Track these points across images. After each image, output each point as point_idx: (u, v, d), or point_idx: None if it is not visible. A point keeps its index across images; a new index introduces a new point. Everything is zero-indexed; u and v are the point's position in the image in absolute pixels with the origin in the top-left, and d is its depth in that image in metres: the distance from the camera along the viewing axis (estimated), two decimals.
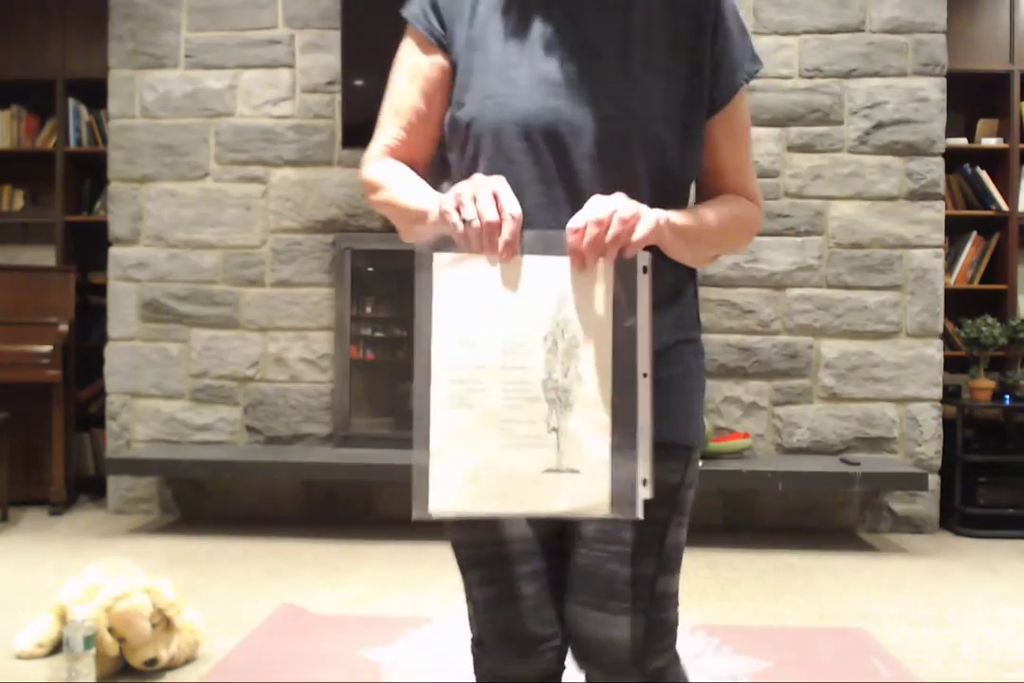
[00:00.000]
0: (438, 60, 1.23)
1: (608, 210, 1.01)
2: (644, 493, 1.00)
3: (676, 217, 1.12)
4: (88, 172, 4.82)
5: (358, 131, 4.12)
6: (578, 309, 1.00)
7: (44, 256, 4.84)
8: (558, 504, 1.01)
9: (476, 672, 1.28)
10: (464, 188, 1.06)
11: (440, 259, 1.03)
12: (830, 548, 3.83)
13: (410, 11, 1.25)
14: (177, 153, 4.34)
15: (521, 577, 1.20)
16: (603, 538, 1.15)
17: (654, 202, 1.09)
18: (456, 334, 1.01)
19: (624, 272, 1.01)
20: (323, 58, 4.26)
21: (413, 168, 1.29)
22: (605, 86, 1.15)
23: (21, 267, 4.62)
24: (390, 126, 1.31)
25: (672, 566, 1.18)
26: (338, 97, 4.22)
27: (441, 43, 1.23)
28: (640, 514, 1.00)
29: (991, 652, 2.61)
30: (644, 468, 1.00)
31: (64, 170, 4.72)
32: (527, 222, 1.05)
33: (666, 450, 1.12)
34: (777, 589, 3.24)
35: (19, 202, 4.84)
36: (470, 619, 1.26)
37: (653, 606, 1.15)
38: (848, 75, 4.14)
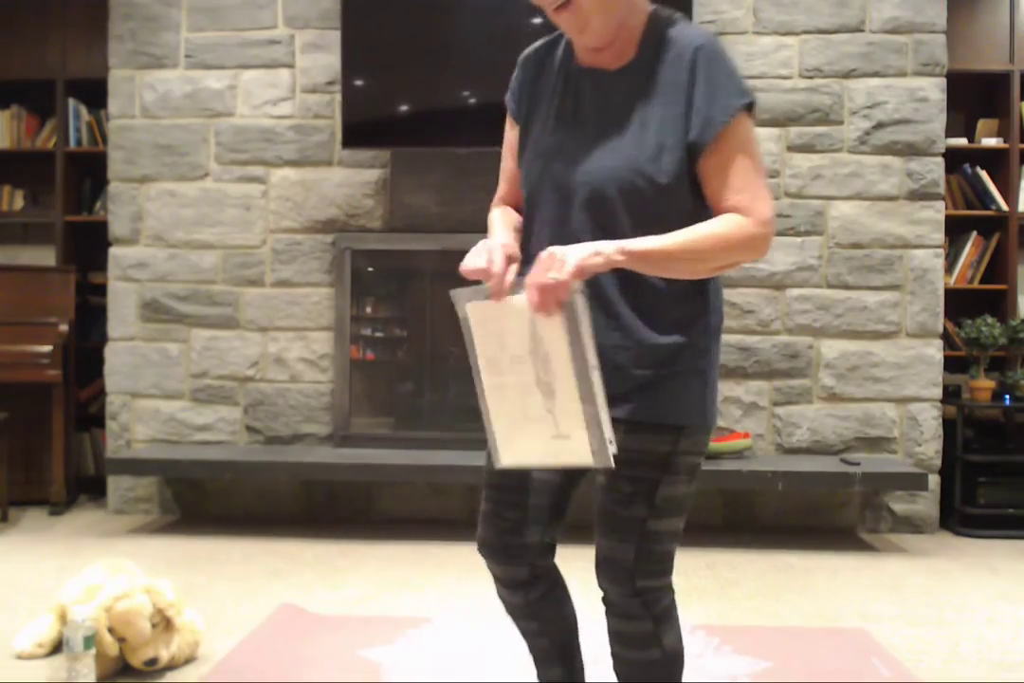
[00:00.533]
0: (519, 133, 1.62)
1: (542, 274, 1.34)
2: (612, 449, 1.37)
3: (638, 244, 1.38)
4: (88, 172, 4.82)
5: (358, 131, 4.12)
6: (545, 330, 1.39)
7: (44, 256, 4.84)
8: (563, 459, 1.44)
9: None
10: (476, 248, 1.47)
11: (458, 296, 1.48)
12: (830, 548, 3.83)
13: (507, 94, 1.65)
14: (177, 153, 4.34)
15: (506, 503, 1.64)
16: (610, 488, 1.53)
17: (637, 235, 1.40)
18: (483, 356, 1.48)
19: (568, 302, 1.37)
20: (323, 58, 4.26)
21: (518, 210, 1.68)
22: (589, 152, 1.48)
23: (21, 267, 4.62)
24: (500, 182, 1.74)
25: (663, 512, 1.52)
26: (338, 97, 4.22)
27: (518, 121, 1.63)
28: (612, 463, 1.38)
29: (991, 652, 2.61)
30: (608, 431, 1.37)
31: (64, 170, 4.72)
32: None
33: (657, 428, 1.49)
34: (777, 589, 3.24)
35: (19, 202, 4.84)
36: None
37: (643, 539, 1.52)
38: (848, 75, 4.14)
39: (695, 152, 1.43)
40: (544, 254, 1.36)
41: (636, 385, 1.49)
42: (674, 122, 1.43)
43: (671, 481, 1.51)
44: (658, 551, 1.53)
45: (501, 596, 1.73)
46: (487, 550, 1.68)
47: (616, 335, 1.48)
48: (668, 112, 1.43)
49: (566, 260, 1.34)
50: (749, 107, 1.44)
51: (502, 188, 1.73)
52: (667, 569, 1.56)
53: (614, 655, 1.63)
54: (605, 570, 1.56)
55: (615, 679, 1.65)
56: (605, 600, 1.61)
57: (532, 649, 1.79)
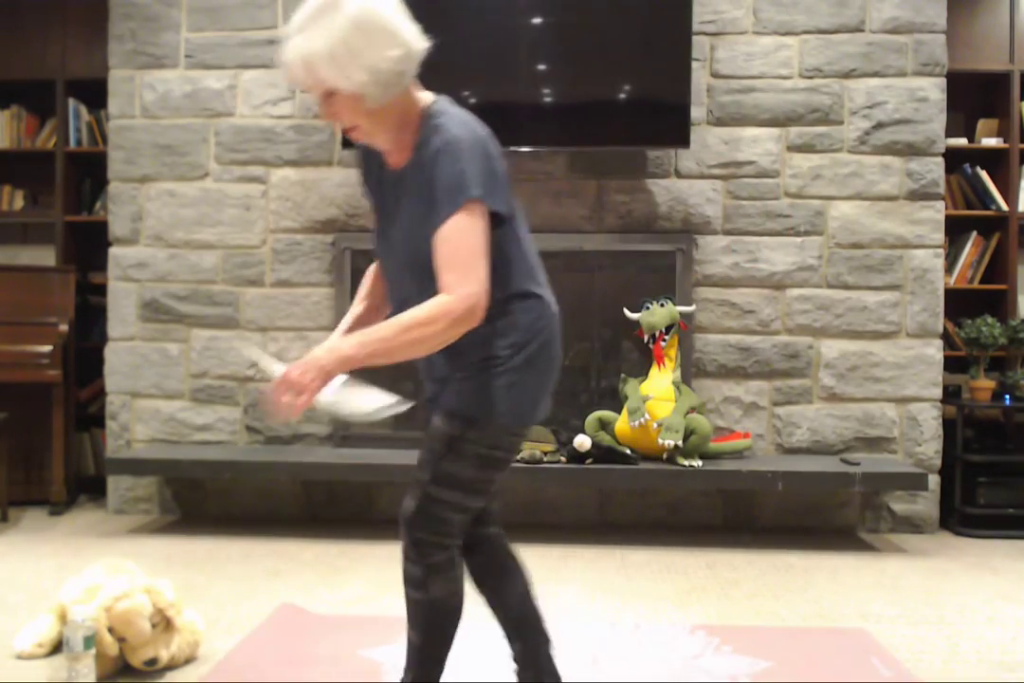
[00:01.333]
0: None
1: (278, 396, 1.68)
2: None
3: (357, 348, 1.69)
4: (88, 172, 4.82)
5: None
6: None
7: (44, 256, 4.84)
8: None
9: None
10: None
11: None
12: (830, 548, 3.83)
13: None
14: (177, 153, 4.34)
15: None
16: (421, 449, 1.87)
17: (429, 285, 1.71)
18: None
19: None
20: None
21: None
22: (396, 238, 1.85)
23: (21, 267, 4.62)
24: None
25: (441, 483, 1.83)
26: None
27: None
28: (379, 416, 1.79)
29: (991, 652, 2.61)
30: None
31: (64, 170, 4.72)
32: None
33: (451, 415, 1.84)
34: (777, 589, 3.24)
35: (19, 202, 4.84)
36: None
37: (423, 499, 1.84)
38: (848, 75, 4.14)
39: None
40: (278, 379, 1.68)
41: (447, 386, 1.87)
42: (429, 213, 1.73)
43: (452, 459, 1.82)
44: (433, 512, 1.84)
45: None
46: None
47: (434, 360, 1.88)
48: (425, 205, 1.74)
49: (302, 384, 1.67)
50: (474, 198, 1.70)
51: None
52: (442, 531, 1.85)
53: (404, 591, 1.93)
54: (400, 518, 1.88)
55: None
56: (402, 546, 1.90)
57: (500, 624, 2.08)
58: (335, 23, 1.69)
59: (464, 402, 1.83)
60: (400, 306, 1.83)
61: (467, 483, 1.85)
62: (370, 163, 1.94)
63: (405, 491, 1.89)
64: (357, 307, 2.05)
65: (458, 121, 1.79)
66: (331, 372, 1.68)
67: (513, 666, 2.09)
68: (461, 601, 1.92)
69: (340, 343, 1.70)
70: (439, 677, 1.96)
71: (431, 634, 1.92)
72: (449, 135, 1.74)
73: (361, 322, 2.00)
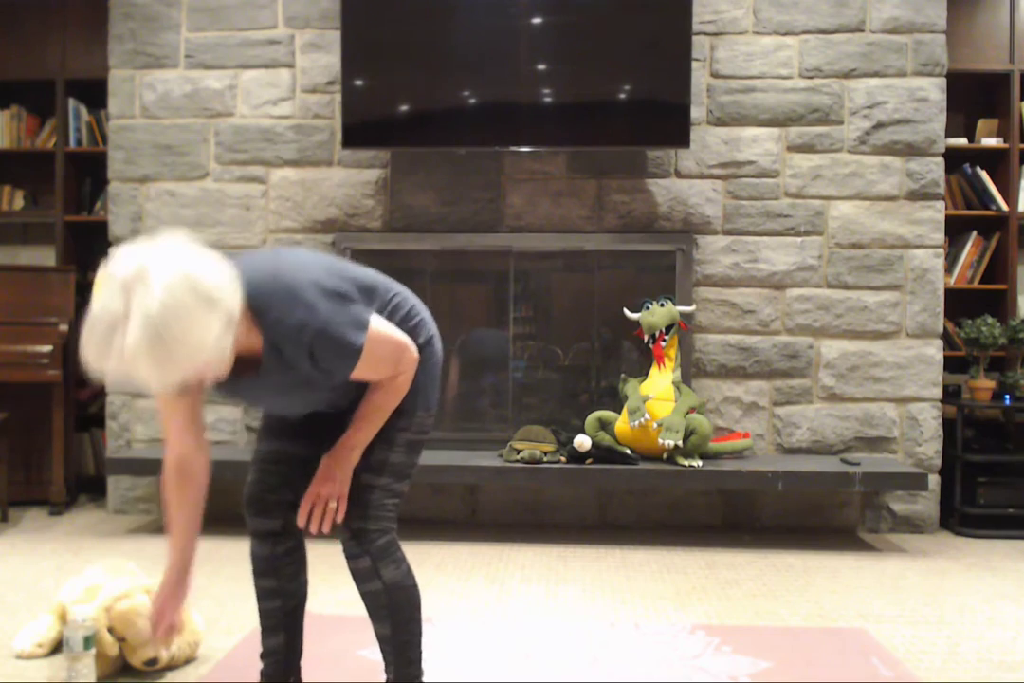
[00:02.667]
0: None
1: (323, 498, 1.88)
2: None
3: (352, 446, 1.88)
4: (88, 172, 4.82)
5: (358, 131, 4.12)
6: None
7: (44, 256, 4.84)
8: None
9: None
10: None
11: None
12: (830, 548, 3.83)
13: None
14: (177, 153, 4.34)
15: (269, 471, 2.07)
16: None
17: (346, 394, 1.89)
18: None
19: None
20: (323, 58, 4.26)
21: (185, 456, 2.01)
22: (270, 406, 1.98)
23: (21, 267, 4.62)
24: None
25: (375, 470, 1.91)
26: (338, 97, 4.22)
27: None
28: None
29: (991, 652, 2.61)
30: None
31: (64, 170, 4.72)
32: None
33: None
34: (777, 589, 3.24)
35: (19, 202, 4.84)
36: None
37: (356, 488, 1.90)
38: (848, 75, 4.14)
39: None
40: (320, 488, 1.87)
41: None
42: (316, 371, 1.76)
43: (384, 447, 1.92)
44: (368, 500, 1.90)
45: (253, 552, 2.10)
46: (251, 506, 2.05)
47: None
48: (307, 372, 1.76)
49: (333, 491, 1.88)
50: (360, 343, 1.75)
51: (172, 445, 1.96)
52: (379, 517, 1.92)
53: (359, 592, 1.96)
54: None
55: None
56: (342, 547, 1.94)
57: (263, 614, 2.14)
58: (155, 322, 1.54)
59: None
60: (311, 416, 1.98)
61: (401, 469, 1.95)
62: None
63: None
64: (179, 528, 2.04)
65: (291, 304, 1.70)
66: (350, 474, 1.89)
67: (269, 658, 2.14)
68: (415, 583, 1.97)
69: (343, 446, 1.88)
70: (420, 663, 2.00)
71: (397, 620, 1.94)
72: (285, 328, 1.70)
73: (190, 547, 2.08)
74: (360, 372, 1.80)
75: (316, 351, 1.72)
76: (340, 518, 1.88)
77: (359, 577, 1.93)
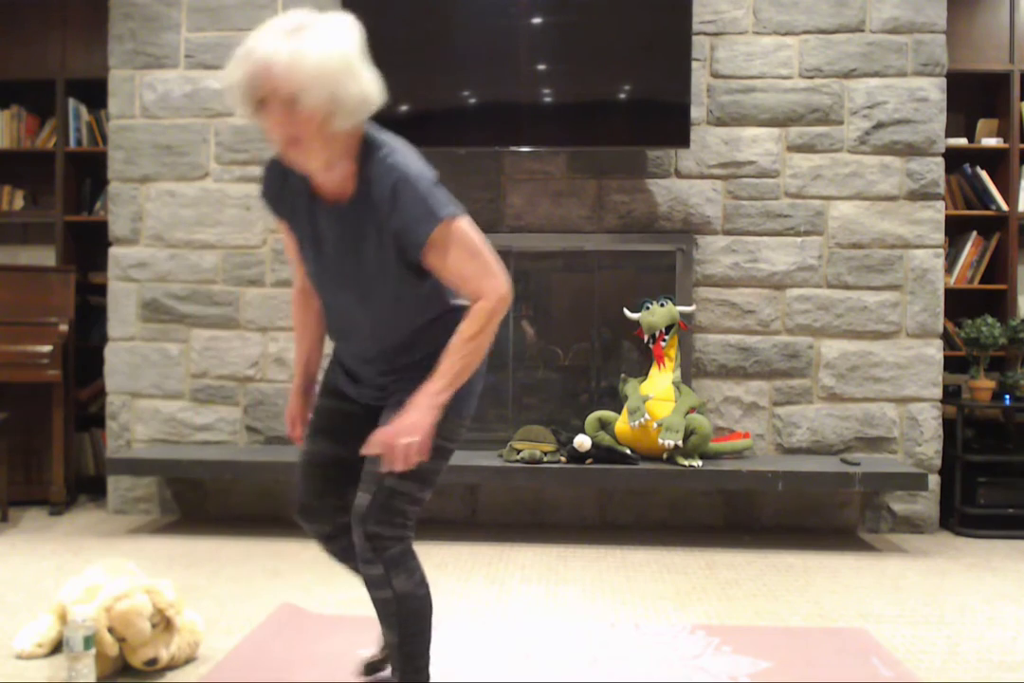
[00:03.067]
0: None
1: (399, 461, 1.79)
2: None
3: (436, 391, 1.80)
4: (88, 172, 4.82)
5: None
6: None
7: (44, 256, 4.84)
8: None
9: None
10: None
11: None
12: (830, 548, 3.83)
13: (262, 196, 1.95)
14: (177, 153, 4.34)
15: (314, 477, 2.09)
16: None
17: (390, 315, 1.88)
18: None
19: None
20: None
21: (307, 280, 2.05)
22: (344, 271, 1.86)
23: (21, 267, 4.62)
24: (296, 267, 2.08)
25: (402, 475, 1.84)
26: None
27: (283, 219, 1.95)
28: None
29: (991, 652, 2.61)
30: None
31: (64, 170, 4.72)
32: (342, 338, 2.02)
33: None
34: (777, 589, 3.24)
35: (19, 202, 4.84)
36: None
37: (379, 491, 1.86)
38: (848, 75, 4.14)
39: (416, 261, 1.81)
40: (389, 436, 1.78)
41: (398, 387, 1.92)
42: (390, 241, 1.79)
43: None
44: (391, 505, 1.87)
45: (322, 549, 2.13)
46: (301, 513, 2.07)
47: (383, 372, 1.96)
48: (384, 233, 1.79)
49: (410, 441, 1.77)
50: (449, 216, 1.76)
51: (297, 273, 2.08)
52: (398, 524, 1.89)
53: (370, 597, 1.96)
54: (352, 516, 1.90)
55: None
56: (356, 548, 1.90)
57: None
58: (331, 41, 1.71)
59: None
60: (359, 332, 1.94)
61: (426, 475, 1.91)
62: (283, 187, 1.90)
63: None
64: (303, 346, 2.13)
65: (403, 154, 1.81)
66: (431, 424, 1.80)
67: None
68: (427, 591, 1.95)
69: (425, 400, 1.80)
70: (427, 671, 1.99)
71: (407, 630, 1.94)
72: (402, 172, 1.77)
73: (313, 361, 2.14)
74: (436, 259, 1.78)
75: (399, 198, 1.74)
76: (418, 459, 1.80)
77: (370, 583, 1.92)
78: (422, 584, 1.93)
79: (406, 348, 1.92)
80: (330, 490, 2.03)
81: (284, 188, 1.90)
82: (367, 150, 1.80)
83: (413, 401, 1.80)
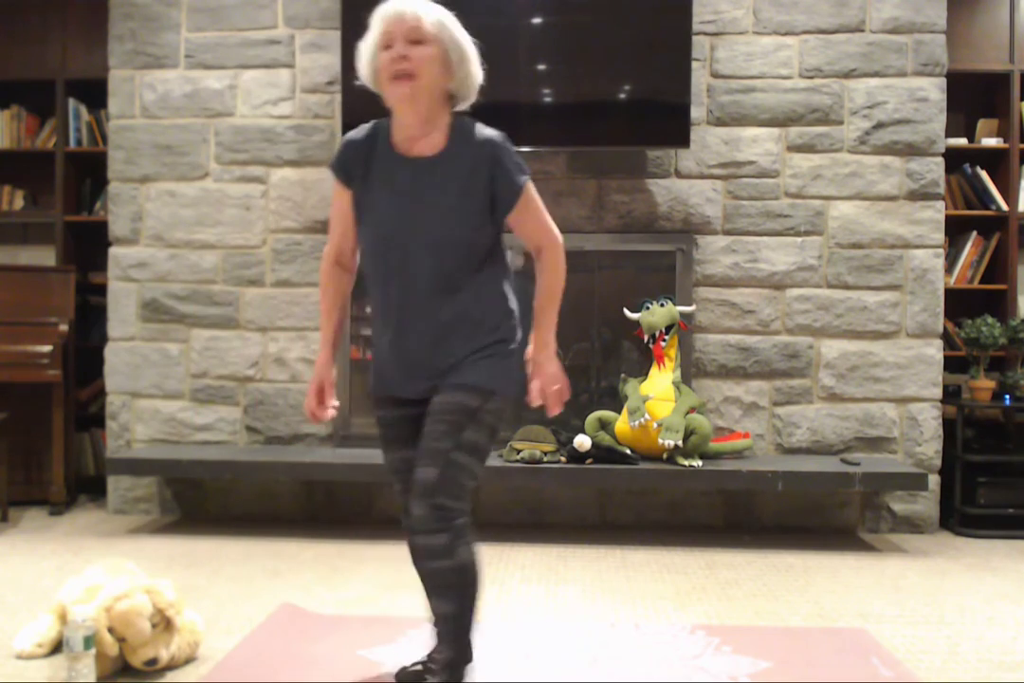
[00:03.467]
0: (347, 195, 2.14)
1: (556, 403, 2.10)
2: None
3: (549, 341, 2.11)
4: (88, 172, 4.82)
5: None
6: None
7: (44, 256, 4.84)
8: None
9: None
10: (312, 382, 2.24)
11: None
12: (830, 548, 3.83)
13: (335, 166, 2.14)
14: (177, 153, 4.34)
15: (407, 480, 2.16)
16: (430, 429, 2.02)
17: (455, 265, 2.02)
18: None
19: None
20: (323, 58, 4.26)
21: (341, 262, 2.22)
22: (424, 218, 2.01)
23: (21, 267, 4.62)
24: (331, 235, 2.21)
25: (463, 449, 1.99)
26: (338, 97, 4.22)
27: (349, 188, 2.13)
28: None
29: (991, 652, 2.61)
30: None
31: (64, 170, 4.72)
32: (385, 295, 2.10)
33: (472, 388, 2.03)
34: (777, 589, 3.24)
35: (19, 202, 4.84)
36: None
37: (446, 465, 1.97)
38: (848, 75, 4.14)
39: (502, 214, 2.05)
40: (545, 387, 2.07)
41: (463, 363, 2.05)
42: (482, 194, 2.01)
43: (474, 429, 2.01)
44: (457, 478, 1.98)
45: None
46: (405, 511, 2.10)
47: (451, 343, 2.07)
48: (476, 187, 2.01)
49: (560, 386, 2.08)
50: (529, 176, 2.07)
51: (334, 240, 2.20)
52: (461, 496, 1.99)
53: (419, 569, 2.03)
54: (414, 489, 1.98)
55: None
56: (413, 521, 1.98)
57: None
58: (460, 30, 2.10)
59: (484, 377, 2.03)
60: (423, 297, 2.04)
61: (483, 451, 2.05)
62: (363, 151, 2.10)
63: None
64: (332, 320, 2.24)
65: (483, 125, 2.10)
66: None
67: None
68: (481, 566, 2.04)
69: (543, 348, 2.09)
70: (473, 649, 2.04)
71: (464, 601, 2.00)
72: (491, 133, 2.06)
73: (338, 337, 2.27)
74: (521, 208, 2.04)
75: (501, 157, 2.02)
76: (566, 397, 2.08)
77: (430, 553, 1.96)
78: (478, 558, 2.02)
79: (469, 332, 2.06)
80: None
81: (363, 155, 2.09)
82: (456, 119, 2.08)
83: (534, 357, 2.08)
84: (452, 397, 2.01)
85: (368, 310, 4.40)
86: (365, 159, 2.08)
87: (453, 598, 1.98)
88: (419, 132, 2.03)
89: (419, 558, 2.00)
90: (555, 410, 2.08)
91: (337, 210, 2.17)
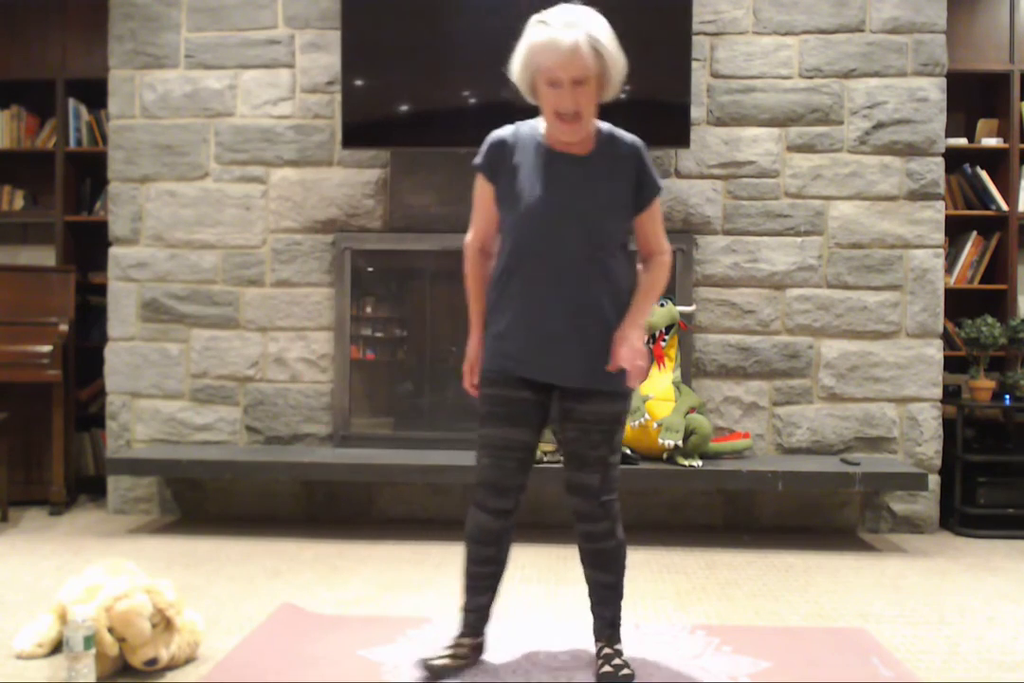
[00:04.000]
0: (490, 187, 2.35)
1: (637, 375, 2.27)
2: None
3: (640, 323, 2.28)
4: (88, 172, 4.82)
5: (358, 131, 4.12)
6: None
7: (44, 256, 4.84)
8: None
9: None
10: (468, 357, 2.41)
11: None
12: (830, 548, 3.83)
13: (481, 162, 2.34)
14: (177, 153, 4.34)
15: (505, 458, 2.35)
16: (582, 438, 2.32)
17: (593, 251, 2.25)
18: None
19: None
20: (323, 58, 4.26)
21: (484, 249, 2.41)
22: (577, 204, 2.25)
23: (21, 267, 4.62)
24: (475, 223, 2.41)
25: (615, 450, 2.33)
26: (338, 97, 4.22)
27: (492, 181, 2.33)
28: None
29: (991, 652, 2.61)
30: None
31: (64, 170, 4.72)
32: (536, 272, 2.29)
33: (618, 395, 2.31)
34: (777, 589, 3.24)
35: (19, 202, 4.84)
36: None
37: (606, 470, 2.32)
38: (848, 75, 4.14)
39: (638, 210, 2.31)
40: (629, 359, 2.22)
41: (600, 360, 2.26)
42: (627, 191, 2.28)
43: (619, 430, 2.34)
44: (612, 477, 2.34)
45: (482, 526, 2.35)
46: (491, 488, 2.32)
47: (591, 324, 2.28)
48: (624, 183, 2.27)
49: (641, 355, 2.24)
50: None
51: (478, 230, 2.40)
52: (615, 488, 2.35)
53: (583, 549, 2.38)
54: (579, 493, 2.32)
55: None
56: (576, 513, 2.34)
57: (476, 577, 2.40)
58: (613, 38, 2.20)
59: (621, 383, 2.27)
60: (561, 255, 2.24)
61: (620, 450, 2.38)
62: (508, 149, 2.31)
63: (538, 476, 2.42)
64: (481, 302, 2.40)
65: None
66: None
67: (476, 612, 2.45)
68: None
69: (634, 327, 2.25)
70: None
71: (621, 571, 2.39)
72: (632, 136, 2.32)
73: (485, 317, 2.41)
74: (651, 211, 2.31)
75: (644, 162, 2.28)
76: (646, 374, 2.35)
77: (597, 536, 2.33)
78: (623, 532, 2.39)
79: (604, 295, 2.26)
80: (522, 470, 2.33)
81: (508, 152, 2.29)
82: (599, 126, 2.31)
83: (626, 332, 2.23)
84: (603, 407, 2.28)
85: (368, 310, 4.41)
86: (510, 156, 2.29)
87: (614, 569, 2.37)
88: (577, 138, 2.26)
89: (585, 541, 2.35)
90: (634, 382, 2.25)
91: (481, 202, 2.36)
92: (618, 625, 2.42)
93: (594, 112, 2.22)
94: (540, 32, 2.14)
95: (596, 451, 2.29)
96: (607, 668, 2.33)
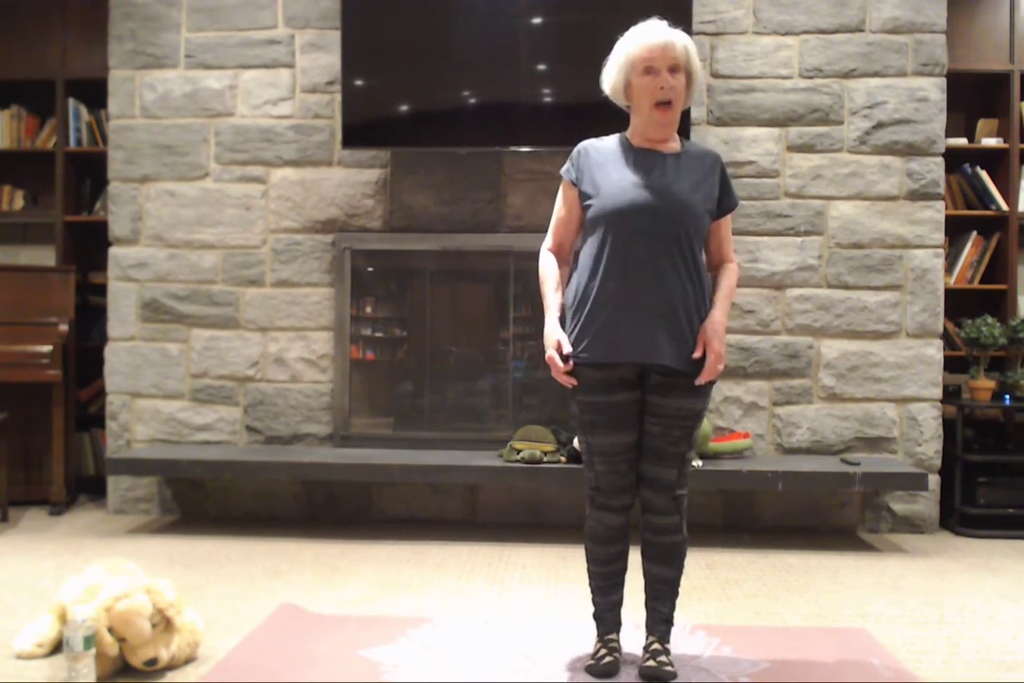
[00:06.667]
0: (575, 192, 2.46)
1: (714, 366, 2.34)
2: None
3: (724, 321, 2.37)
4: (88, 172, 4.82)
5: (358, 131, 4.12)
6: None
7: (44, 256, 4.84)
8: None
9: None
10: (549, 333, 2.51)
11: None
12: (830, 548, 3.83)
13: (568, 169, 2.46)
14: (177, 153, 4.34)
15: (617, 461, 2.44)
16: (664, 434, 2.38)
17: (689, 239, 2.33)
18: None
19: None
20: (323, 58, 4.26)
21: (560, 253, 2.51)
22: (667, 195, 2.33)
23: (21, 267, 4.62)
24: (554, 228, 2.51)
25: (693, 445, 2.40)
26: (338, 97, 4.22)
27: (577, 185, 2.44)
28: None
29: (991, 652, 2.61)
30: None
31: (64, 170, 4.72)
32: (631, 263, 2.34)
33: (700, 390, 2.37)
34: (777, 589, 3.24)
35: (19, 202, 4.84)
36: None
37: (682, 464, 2.40)
38: (848, 75, 4.14)
39: (718, 216, 2.42)
40: (717, 348, 2.32)
41: (688, 351, 2.34)
42: (711, 195, 2.39)
43: (699, 426, 2.41)
44: (687, 471, 2.42)
45: (607, 524, 2.43)
46: (611, 489, 2.41)
47: (679, 315, 2.34)
48: (710, 188, 2.39)
49: (721, 350, 2.33)
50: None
51: (556, 234, 2.49)
52: (688, 482, 2.44)
53: (648, 542, 2.43)
54: (653, 486, 2.39)
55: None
56: (647, 505, 2.41)
57: (607, 576, 2.47)
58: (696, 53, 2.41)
59: (701, 371, 2.32)
60: (647, 242, 2.31)
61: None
62: (601, 149, 2.44)
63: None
64: (559, 291, 2.48)
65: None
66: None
67: (614, 610, 2.51)
68: None
69: (719, 327, 2.33)
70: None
71: (682, 566, 2.45)
72: (713, 150, 2.53)
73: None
74: (726, 221, 2.44)
75: (724, 170, 2.42)
76: (721, 370, 2.35)
77: (667, 531, 2.40)
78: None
79: (689, 285, 2.32)
80: (633, 468, 2.41)
81: (594, 156, 2.42)
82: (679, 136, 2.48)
83: (711, 328, 2.31)
84: (684, 402, 2.34)
85: (368, 310, 4.41)
86: (594, 159, 2.41)
87: (676, 565, 2.42)
88: (666, 135, 2.39)
89: (652, 533, 2.40)
90: (705, 377, 2.30)
91: (563, 209, 2.46)
92: (671, 622, 2.45)
93: (683, 107, 2.38)
94: (635, 33, 2.35)
95: (676, 447, 2.36)
96: (651, 662, 2.36)
